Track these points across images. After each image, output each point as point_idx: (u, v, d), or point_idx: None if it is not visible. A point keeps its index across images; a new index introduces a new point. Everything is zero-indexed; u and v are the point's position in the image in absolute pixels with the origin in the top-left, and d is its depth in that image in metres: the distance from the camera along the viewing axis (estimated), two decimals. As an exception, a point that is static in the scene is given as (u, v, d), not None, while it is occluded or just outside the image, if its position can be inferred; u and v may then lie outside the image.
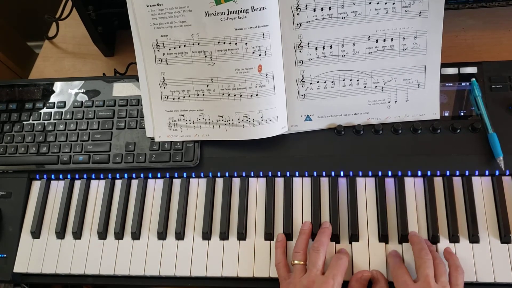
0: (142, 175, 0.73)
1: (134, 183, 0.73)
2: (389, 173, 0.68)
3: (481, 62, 0.73)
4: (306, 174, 0.70)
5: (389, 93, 0.70)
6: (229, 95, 0.69)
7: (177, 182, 0.73)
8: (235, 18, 0.64)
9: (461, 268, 0.60)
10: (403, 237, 0.64)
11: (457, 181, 0.67)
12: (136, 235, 0.69)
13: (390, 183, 0.68)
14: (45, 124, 0.77)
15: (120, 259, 0.69)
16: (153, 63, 0.70)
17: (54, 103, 0.79)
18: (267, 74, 0.68)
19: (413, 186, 0.68)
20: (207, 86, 0.70)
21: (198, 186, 0.72)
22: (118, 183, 0.74)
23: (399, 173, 0.68)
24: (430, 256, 0.59)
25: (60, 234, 0.71)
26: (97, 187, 0.74)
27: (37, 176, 0.75)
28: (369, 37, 0.67)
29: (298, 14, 0.65)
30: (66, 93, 0.79)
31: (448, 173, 0.67)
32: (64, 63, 0.95)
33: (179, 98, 0.72)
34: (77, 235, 0.71)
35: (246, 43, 0.66)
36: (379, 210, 0.66)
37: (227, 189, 0.70)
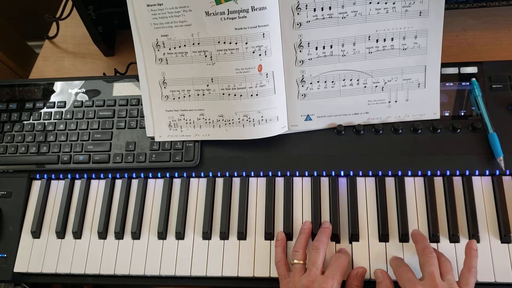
0: (142, 175, 0.73)
1: (134, 182, 0.74)
2: (389, 173, 0.68)
3: (481, 62, 0.73)
4: (306, 174, 0.70)
5: (389, 93, 0.70)
6: (229, 94, 0.69)
7: (177, 182, 0.73)
8: (235, 18, 0.64)
9: (475, 269, 0.58)
10: (404, 237, 0.64)
11: (457, 181, 0.67)
12: (136, 235, 0.70)
13: (390, 182, 0.68)
14: (46, 124, 0.77)
15: (120, 259, 0.69)
16: (153, 63, 0.70)
17: (54, 102, 0.79)
18: (267, 74, 0.68)
19: (413, 186, 0.68)
20: (207, 85, 0.70)
21: (198, 186, 0.72)
22: (118, 183, 0.74)
23: (399, 173, 0.68)
24: (434, 254, 0.59)
25: (60, 233, 0.71)
26: (97, 186, 0.74)
27: (37, 176, 0.75)
28: (369, 36, 0.67)
29: (298, 14, 0.65)
30: (66, 92, 0.79)
31: (448, 172, 0.67)
32: (64, 63, 0.95)
33: (179, 97, 0.72)
34: (77, 234, 0.71)
35: (246, 43, 0.66)
36: (379, 210, 0.66)
37: (227, 189, 0.70)
